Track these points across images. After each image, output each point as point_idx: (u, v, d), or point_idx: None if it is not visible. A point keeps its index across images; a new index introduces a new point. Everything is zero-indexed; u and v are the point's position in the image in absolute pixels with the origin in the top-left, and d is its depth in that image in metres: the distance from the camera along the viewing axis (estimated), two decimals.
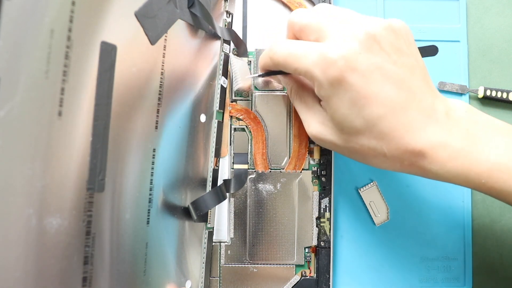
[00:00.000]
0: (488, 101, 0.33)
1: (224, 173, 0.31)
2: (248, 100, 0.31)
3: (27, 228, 0.17)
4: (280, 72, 0.26)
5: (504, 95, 0.32)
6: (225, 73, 0.31)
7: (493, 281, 0.32)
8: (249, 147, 0.31)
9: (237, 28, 0.32)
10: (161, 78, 0.25)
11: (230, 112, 0.31)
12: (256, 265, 0.30)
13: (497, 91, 0.32)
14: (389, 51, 0.22)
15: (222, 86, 0.30)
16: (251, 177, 0.31)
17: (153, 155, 0.24)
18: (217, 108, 0.30)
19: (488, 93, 0.32)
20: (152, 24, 0.24)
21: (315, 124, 0.25)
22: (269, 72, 0.27)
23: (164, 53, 0.25)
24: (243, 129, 0.31)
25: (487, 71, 0.33)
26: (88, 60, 0.20)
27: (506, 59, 0.33)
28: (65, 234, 0.19)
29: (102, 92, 0.21)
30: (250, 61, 0.32)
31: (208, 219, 0.29)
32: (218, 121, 0.30)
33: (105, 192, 0.21)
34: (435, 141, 0.21)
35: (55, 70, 0.18)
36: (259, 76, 0.29)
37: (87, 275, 0.20)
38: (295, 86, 0.27)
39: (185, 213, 0.27)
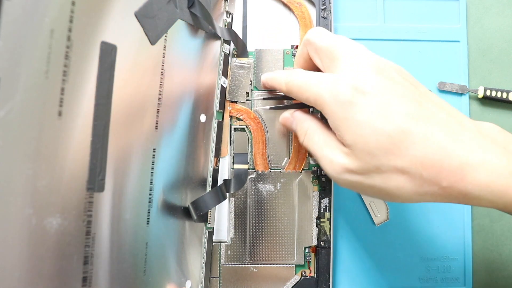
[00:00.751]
0: (488, 101, 0.33)
1: (224, 173, 0.31)
2: (248, 100, 0.31)
3: (27, 228, 0.17)
4: (291, 105, 0.29)
5: (504, 95, 0.32)
6: (225, 73, 0.31)
7: (493, 281, 0.32)
8: (249, 147, 0.31)
9: (237, 28, 0.32)
10: (161, 78, 0.25)
11: (230, 112, 0.31)
12: (256, 265, 0.30)
13: (497, 91, 0.32)
14: (401, 79, 0.21)
15: (222, 86, 0.30)
16: (251, 177, 0.31)
17: (153, 155, 0.24)
18: (217, 108, 0.30)
19: (488, 93, 0.32)
20: (152, 24, 0.24)
21: (339, 156, 0.22)
22: (285, 106, 0.30)
23: (164, 53, 0.25)
24: (243, 129, 0.31)
25: (487, 71, 0.33)
26: (88, 60, 0.20)
27: (506, 59, 0.33)
28: (65, 234, 0.19)
29: (102, 92, 0.21)
30: (250, 63, 0.32)
31: (208, 219, 0.29)
32: (218, 121, 0.30)
33: (105, 192, 0.21)
34: (474, 158, 0.19)
35: (55, 70, 0.18)
36: (271, 108, 0.31)
37: (87, 275, 0.20)
38: (313, 124, 0.25)
39: (185, 213, 0.27)
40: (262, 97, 0.30)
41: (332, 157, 0.22)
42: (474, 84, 0.33)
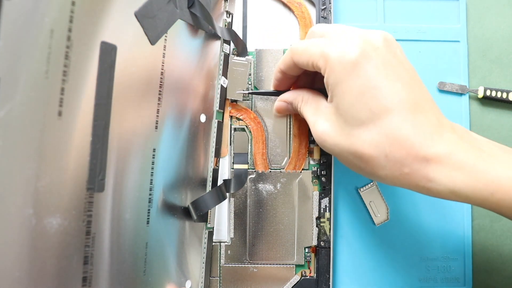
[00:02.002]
0: (488, 101, 0.33)
1: (224, 173, 0.31)
2: (248, 100, 0.31)
3: (27, 228, 0.17)
4: (277, 93, 0.29)
5: (504, 95, 0.32)
6: (225, 73, 0.31)
7: (493, 281, 0.32)
8: (249, 147, 0.31)
9: (237, 28, 0.32)
10: (161, 78, 0.25)
11: (230, 112, 0.31)
12: (256, 265, 0.30)
13: (497, 91, 0.32)
14: (401, 56, 0.23)
15: (222, 86, 0.30)
16: (251, 177, 0.31)
17: (153, 155, 0.24)
18: (217, 108, 0.30)
19: (488, 93, 0.32)
20: (152, 24, 0.24)
21: (321, 122, 0.24)
22: (270, 92, 0.30)
23: (164, 53, 0.25)
24: (243, 129, 0.31)
25: (487, 71, 0.33)
26: (88, 60, 0.20)
27: (506, 59, 0.33)
28: (65, 234, 0.19)
29: (102, 92, 0.21)
30: (251, 61, 0.32)
31: (208, 219, 0.29)
32: (218, 121, 0.30)
33: (105, 192, 0.21)
34: (442, 150, 0.20)
35: (55, 70, 0.18)
36: (254, 93, 0.31)
37: (87, 275, 0.20)
38: (305, 94, 0.27)
39: (185, 213, 0.27)
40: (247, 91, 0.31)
41: (316, 120, 0.25)
42: (474, 84, 0.33)
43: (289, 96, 0.28)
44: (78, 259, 0.20)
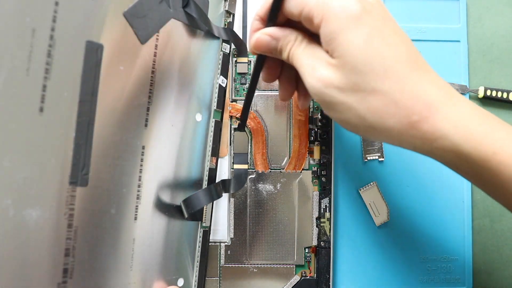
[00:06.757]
0: (488, 101, 0.33)
1: (224, 173, 0.31)
2: None
3: (5, 218, 0.18)
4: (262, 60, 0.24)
5: (504, 95, 0.32)
6: (224, 72, 0.31)
7: (493, 281, 0.32)
8: (249, 147, 0.31)
9: (237, 28, 0.32)
10: (151, 77, 0.25)
11: (230, 112, 0.31)
12: (256, 265, 0.30)
13: (497, 91, 0.32)
14: (392, 17, 0.22)
15: (220, 86, 0.30)
16: (251, 177, 0.31)
17: (142, 152, 0.25)
18: (215, 107, 0.30)
19: (488, 93, 0.32)
20: (142, 24, 0.24)
21: (323, 66, 0.21)
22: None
23: (155, 52, 0.25)
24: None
25: (487, 71, 0.33)
26: (73, 58, 0.20)
27: (506, 59, 0.33)
28: (45, 226, 0.19)
29: (87, 89, 0.21)
30: (250, 61, 0.32)
31: (204, 218, 0.29)
32: (215, 120, 0.30)
33: (89, 187, 0.21)
34: (452, 102, 0.20)
35: (37, 68, 0.19)
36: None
37: (68, 267, 0.20)
38: (300, 34, 0.23)
39: (178, 211, 0.27)
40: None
41: (315, 65, 0.22)
42: (474, 84, 0.33)
43: (278, 31, 0.23)
44: (59, 251, 0.20)
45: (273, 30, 0.23)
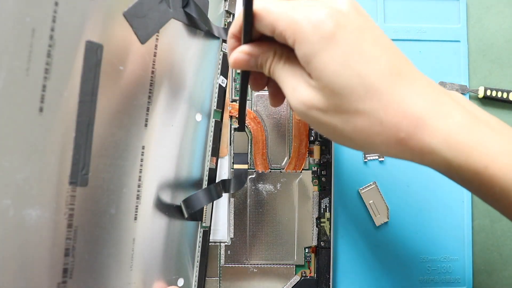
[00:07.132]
0: (488, 101, 0.33)
1: (224, 173, 0.31)
2: (248, 100, 0.31)
3: (4, 218, 0.18)
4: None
5: (504, 95, 0.32)
6: (224, 72, 0.31)
7: (493, 281, 0.32)
8: (249, 147, 0.31)
9: None
10: (151, 77, 0.25)
11: (230, 112, 0.31)
12: (256, 265, 0.30)
13: (497, 91, 0.32)
14: (372, 20, 0.21)
15: (220, 86, 0.30)
16: (251, 177, 0.31)
17: (142, 152, 0.25)
18: (215, 107, 0.30)
19: (488, 93, 0.32)
20: (142, 24, 0.24)
21: (303, 87, 0.20)
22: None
23: (155, 52, 0.25)
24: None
25: (487, 71, 0.33)
26: (73, 58, 0.20)
27: (506, 59, 0.33)
28: (44, 226, 0.19)
29: (87, 89, 0.21)
30: None
31: (204, 218, 0.29)
32: (215, 120, 0.30)
33: (89, 187, 0.21)
34: (439, 113, 0.19)
35: (36, 68, 0.19)
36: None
37: (67, 267, 0.20)
38: (279, 48, 0.22)
39: (179, 211, 0.27)
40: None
41: (295, 85, 0.21)
42: (474, 84, 0.33)
43: (255, 48, 0.22)
44: (59, 251, 0.20)
45: (249, 48, 0.22)
